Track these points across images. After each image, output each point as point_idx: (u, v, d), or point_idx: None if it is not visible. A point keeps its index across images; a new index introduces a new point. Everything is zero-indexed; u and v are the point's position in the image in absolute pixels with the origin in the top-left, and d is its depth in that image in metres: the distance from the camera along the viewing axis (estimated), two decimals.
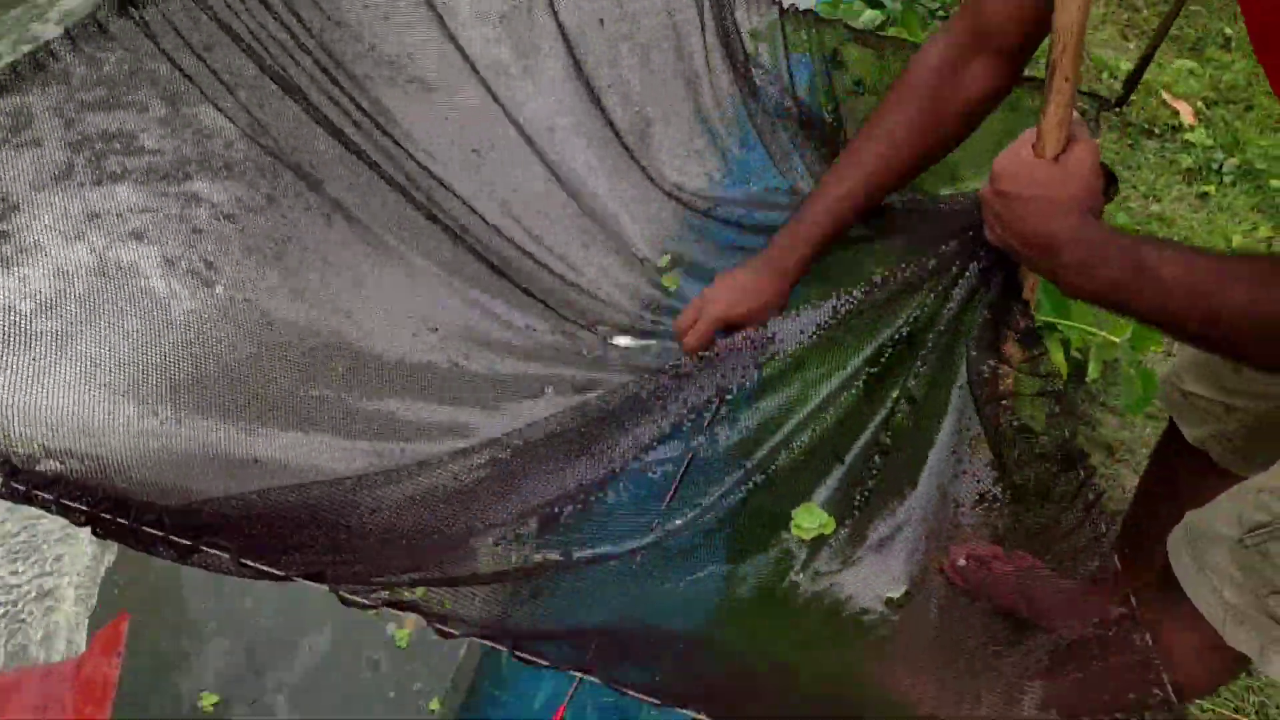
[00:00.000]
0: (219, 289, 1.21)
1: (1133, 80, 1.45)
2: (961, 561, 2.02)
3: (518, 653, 0.75)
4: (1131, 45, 3.64)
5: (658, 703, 0.75)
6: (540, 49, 1.75)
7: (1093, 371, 2.35)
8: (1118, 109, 1.63)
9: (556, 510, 1.00)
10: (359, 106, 1.47)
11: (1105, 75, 3.44)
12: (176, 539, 0.71)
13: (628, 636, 0.94)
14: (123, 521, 0.71)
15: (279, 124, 1.34)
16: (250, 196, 1.27)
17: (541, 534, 0.99)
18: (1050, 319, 2.24)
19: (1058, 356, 2.21)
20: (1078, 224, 0.97)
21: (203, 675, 2.05)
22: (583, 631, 0.91)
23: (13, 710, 1.73)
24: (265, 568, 0.71)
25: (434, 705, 1.99)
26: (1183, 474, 1.51)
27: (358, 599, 0.72)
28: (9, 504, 2.28)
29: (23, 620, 2.08)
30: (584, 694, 1.69)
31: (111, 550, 2.24)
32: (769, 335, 1.02)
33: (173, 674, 2.06)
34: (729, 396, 1.01)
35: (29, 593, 2.13)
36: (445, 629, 0.75)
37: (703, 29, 1.72)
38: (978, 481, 1.12)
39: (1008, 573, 1.90)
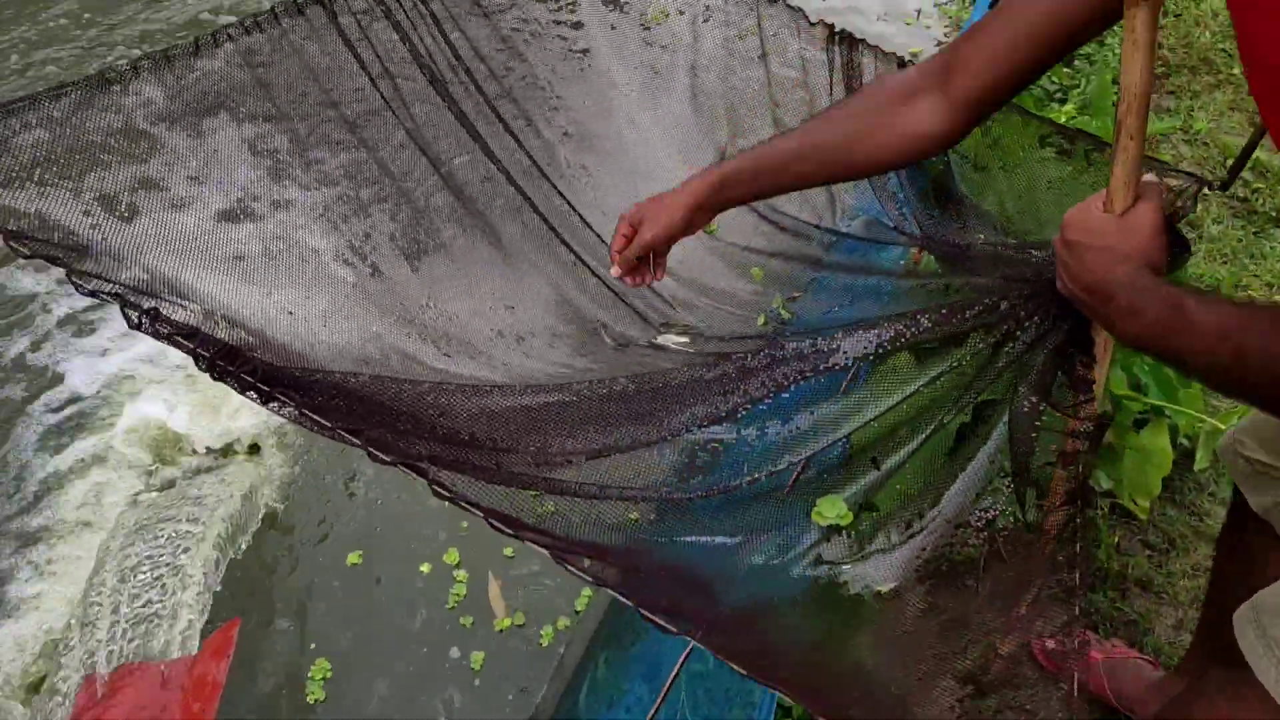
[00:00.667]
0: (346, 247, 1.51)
1: (1239, 164, 1.45)
2: (1050, 644, 1.98)
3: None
4: None
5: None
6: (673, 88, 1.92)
7: (1201, 460, 2.27)
8: (1222, 190, 1.62)
9: (604, 454, 1.11)
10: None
11: (1229, 162, 3.37)
12: (261, 386, 0.92)
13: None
14: (230, 368, 0.92)
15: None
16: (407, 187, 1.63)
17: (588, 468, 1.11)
18: (1158, 403, 2.20)
19: (1163, 441, 2.16)
20: (1132, 273, 1.00)
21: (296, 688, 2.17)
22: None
23: (135, 697, 1.88)
24: (318, 419, 0.91)
25: None
26: (1252, 548, 1.46)
27: (383, 456, 0.89)
28: (139, 523, 2.47)
29: (146, 622, 2.24)
30: None
31: (226, 560, 2.41)
32: (834, 345, 1.08)
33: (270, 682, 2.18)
34: (784, 395, 1.08)
35: (152, 598, 2.29)
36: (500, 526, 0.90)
37: (830, 83, 1.84)
38: (993, 510, 1.16)
39: (1096, 660, 1.86)
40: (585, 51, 1.97)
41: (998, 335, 1.15)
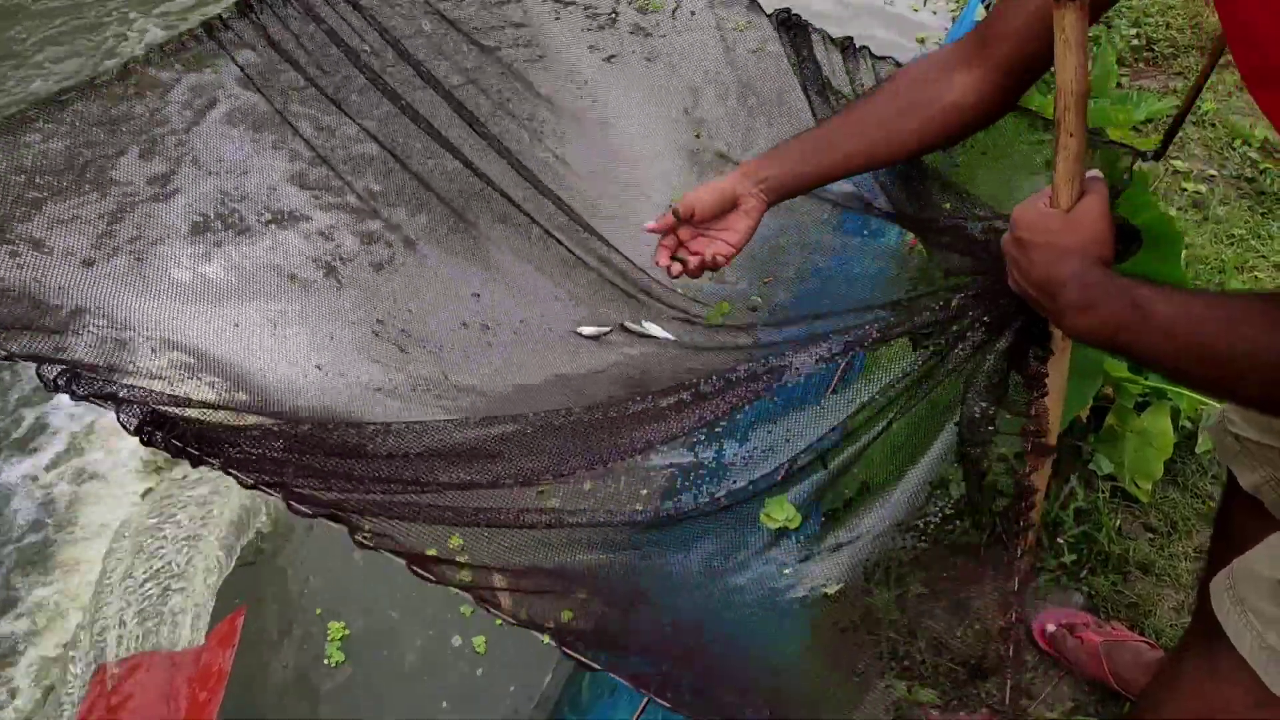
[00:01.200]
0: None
1: (1171, 133, 1.44)
2: (1051, 628, 1.98)
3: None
4: None
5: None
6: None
7: (1203, 443, 2.26)
8: (1155, 160, 1.58)
9: (566, 476, 1.14)
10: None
11: (1237, 143, 3.34)
12: (191, 451, 0.95)
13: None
14: (160, 434, 0.95)
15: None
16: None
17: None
18: (1159, 385, 2.19)
19: (1164, 424, 2.14)
20: (1079, 268, 0.99)
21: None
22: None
23: (144, 686, 1.92)
24: (240, 474, 0.94)
25: None
26: (1242, 527, 1.45)
27: (302, 508, 0.92)
28: (148, 514, 2.50)
29: (154, 612, 2.27)
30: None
31: (234, 554, 2.44)
32: (784, 363, 1.08)
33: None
34: (738, 416, 1.08)
35: (160, 588, 2.33)
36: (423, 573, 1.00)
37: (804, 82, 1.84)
38: (939, 512, 1.17)
39: (1095, 643, 1.86)
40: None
41: (949, 336, 1.14)
